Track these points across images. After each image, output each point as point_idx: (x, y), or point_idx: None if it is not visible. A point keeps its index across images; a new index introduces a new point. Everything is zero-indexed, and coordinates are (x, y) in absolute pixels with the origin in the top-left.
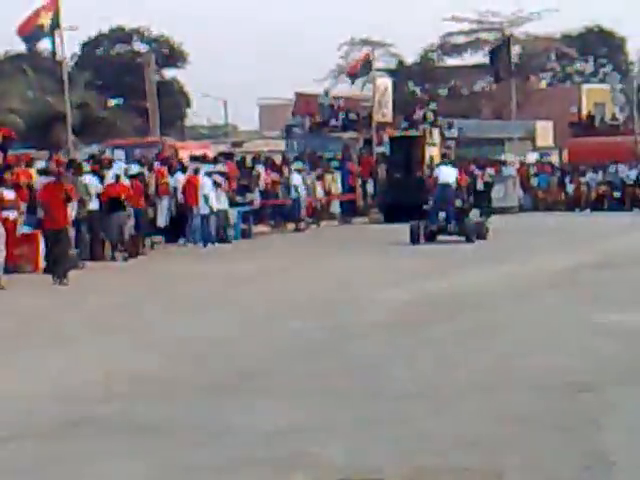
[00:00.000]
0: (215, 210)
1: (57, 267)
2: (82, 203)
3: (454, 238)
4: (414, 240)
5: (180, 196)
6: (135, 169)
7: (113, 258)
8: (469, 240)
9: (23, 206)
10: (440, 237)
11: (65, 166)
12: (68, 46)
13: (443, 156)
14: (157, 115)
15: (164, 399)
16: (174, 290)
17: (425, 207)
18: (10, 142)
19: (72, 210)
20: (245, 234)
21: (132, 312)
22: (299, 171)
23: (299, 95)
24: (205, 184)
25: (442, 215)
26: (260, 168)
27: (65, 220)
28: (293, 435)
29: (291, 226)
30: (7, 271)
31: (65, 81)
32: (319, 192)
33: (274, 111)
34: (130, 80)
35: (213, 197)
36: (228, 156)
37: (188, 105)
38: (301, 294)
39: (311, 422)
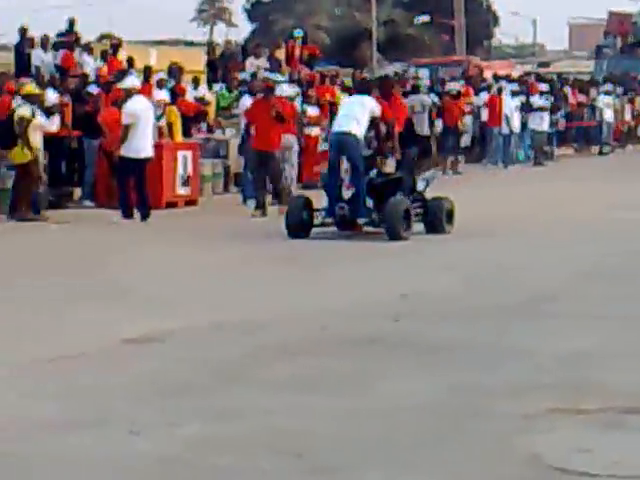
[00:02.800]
0: (517, 131)
1: (258, 195)
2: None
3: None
4: (292, 233)
5: (483, 116)
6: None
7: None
8: (394, 237)
9: (325, 123)
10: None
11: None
12: None
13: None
14: (463, 34)
15: (451, 319)
16: (480, 209)
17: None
18: (315, 59)
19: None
20: (548, 156)
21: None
22: (607, 93)
23: (612, 14)
24: (507, 104)
25: (347, 194)
26: (567, 89)
27: (274, 144)
28: (582, 360)
29: (595, 150)
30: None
31: None
32: (627, 115)
33: (585, 31)
34: None
35: (516, 118)
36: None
37: (496, 24)
38: (597, 218)
39: (603, 348)
